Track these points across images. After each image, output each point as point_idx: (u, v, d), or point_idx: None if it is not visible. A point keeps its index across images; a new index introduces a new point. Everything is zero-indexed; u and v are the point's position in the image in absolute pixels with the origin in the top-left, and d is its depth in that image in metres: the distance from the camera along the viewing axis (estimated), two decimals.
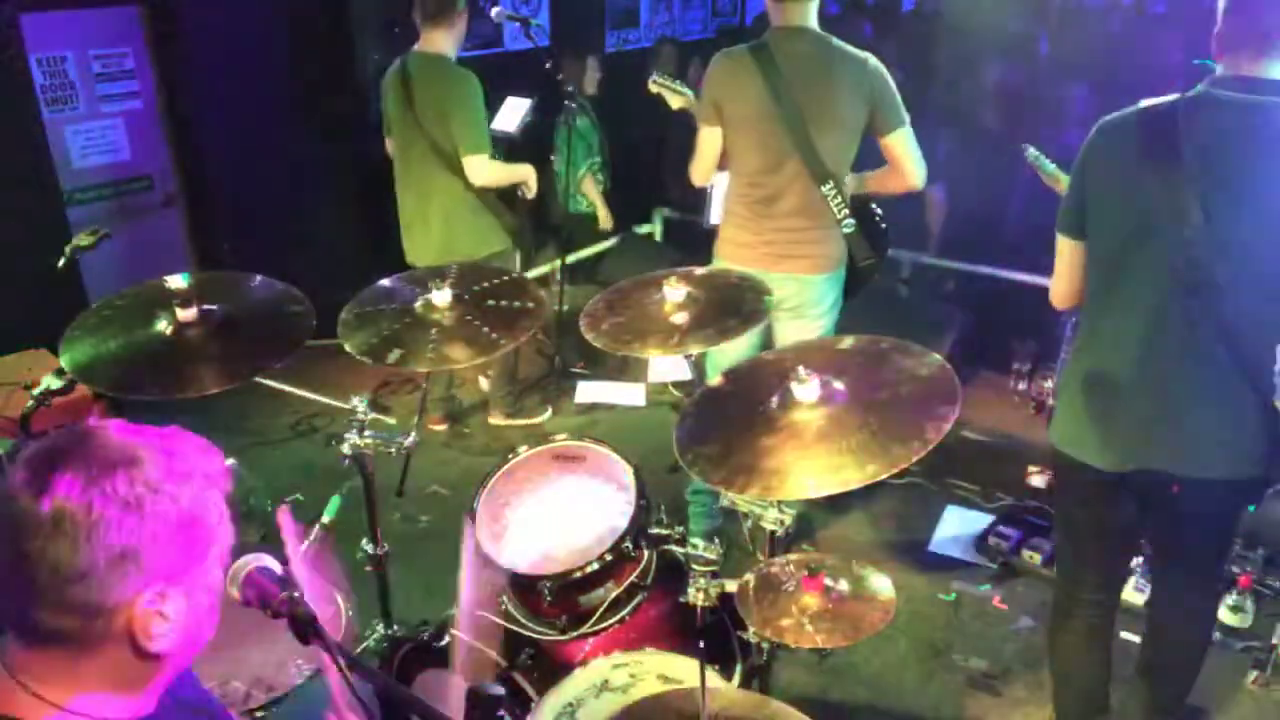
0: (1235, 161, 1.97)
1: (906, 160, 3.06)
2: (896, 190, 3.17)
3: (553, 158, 5.54)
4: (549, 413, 4.76)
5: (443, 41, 3.86)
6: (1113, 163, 2.12)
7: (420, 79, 3.86)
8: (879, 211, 3.27)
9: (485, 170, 3.89)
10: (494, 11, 4.54)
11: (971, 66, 5.59)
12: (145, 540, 1.02)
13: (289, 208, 5.12)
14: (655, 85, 3.71)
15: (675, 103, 3.64)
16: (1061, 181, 2.99)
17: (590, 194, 5.81)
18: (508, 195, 4.15)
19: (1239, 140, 1.97)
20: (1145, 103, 2.12)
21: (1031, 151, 3.15)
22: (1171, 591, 2.45)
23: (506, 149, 4.39)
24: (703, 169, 3.24)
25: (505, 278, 2.44)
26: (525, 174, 4.12)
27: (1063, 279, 2.31)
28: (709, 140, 3.15)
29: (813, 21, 3.02)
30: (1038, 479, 3.88)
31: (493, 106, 4.62)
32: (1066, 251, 2.27)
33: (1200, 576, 2.39)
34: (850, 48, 3.02)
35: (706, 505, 3.40)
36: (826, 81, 2.96)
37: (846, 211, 3.08)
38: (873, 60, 3.01)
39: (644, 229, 6.68)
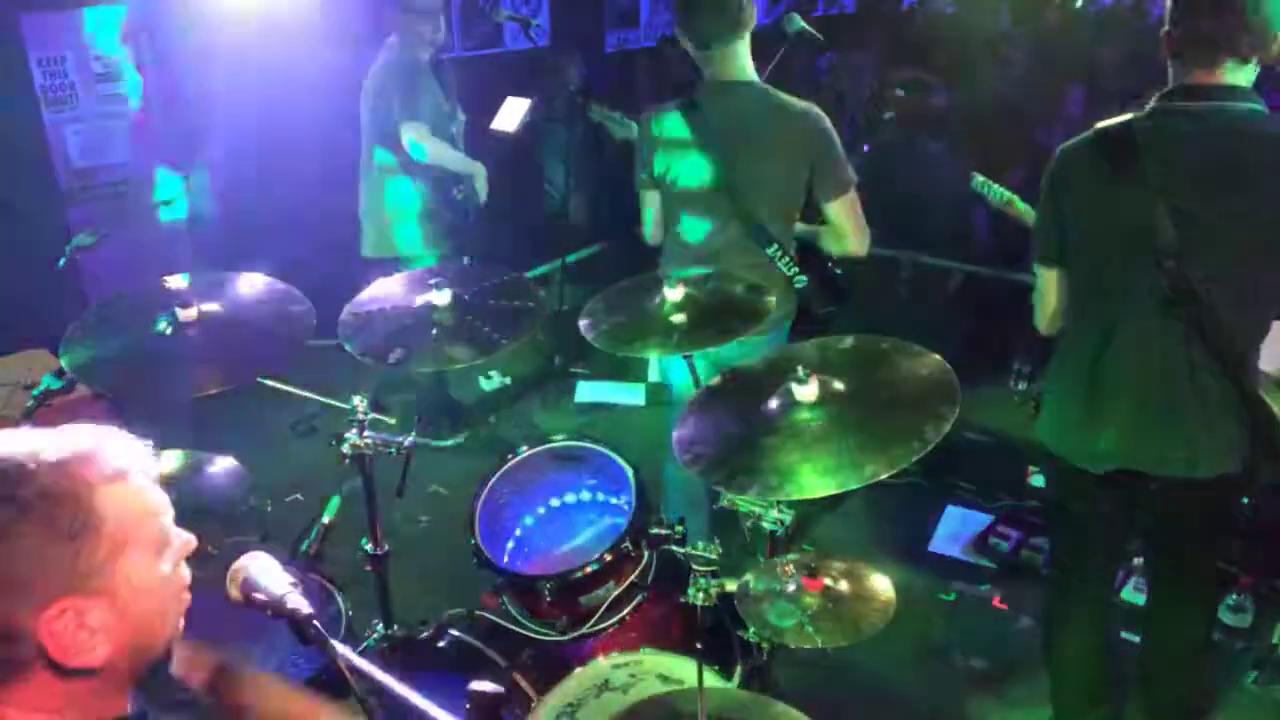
0: (1197, 171, 1.99)
1: (847, 230, 2.81)
2: (836, 253, 2.93)
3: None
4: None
5: (401, 36, 3.90)
6: (1081, 186, 2.15)
7: (379, 68, 3.95)
8: (832, 260, 3.01)
9: (423, 143, 3.79)
10: (494, 12, 4.54)
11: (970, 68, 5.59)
12: (16, 565, 0.96)
13: (289, 208, 5.11)
14: (597, 115, 3.66)
15: (618, 133, 3.60)
16: (1015, 205, 2.97)
17: None
18: (450, 199, 4.04)
19: (1198, 150, 1.99)
20: (1100, 125, 2.14)
21: (979, 179, 3.10)
22: (1168, 592, 2.46)
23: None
24: (650, 229, 3.02)
25: (505, 277, 2.44)
26: (471, 169, 4.00)
27: (1046, 306, 2.31)
28: (650, 202, 2.97)
29: (747, 72, 2.76)
30: (1038, 479, 3.88)
31: (493, 106, 4.63)
32: (1048, 281, 2.28)
33: (1195, 576, 2.40)
34: (792, 100, 2.75)
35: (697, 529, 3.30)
36: (762, 143, 2.72)
37: (796, 270, 2.86)
38: (814, 114, 2.73)
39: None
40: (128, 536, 1.04)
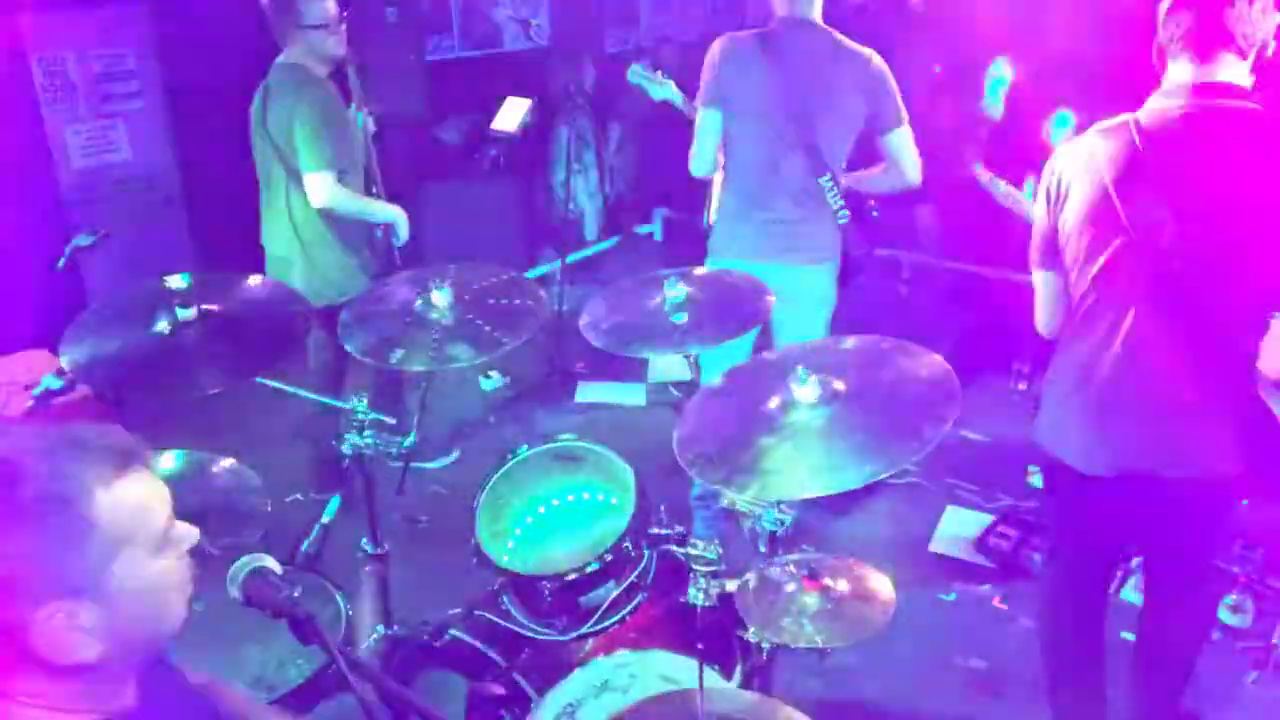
0: (1199, 168, 1.99)
1: (904, 158, 3.09)
2: (892, 188, 3.19)
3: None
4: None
5: (296, 53, 3.36)
6: (1080, 187, 2.14)
7: (274, 91, 3.36)
8: (873, 202, 3.30)
9: (326, 193, 3.27)
10: (495, 11, 4.52)
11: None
12: (9, 566, 0.96)
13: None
14: (635, 76, 3.70)
15: (656, 94, 3.63)
16: (1021, 200, 2.97)
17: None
18: (369, 235, 3.60)
19: (1198, 147, 1.99)
20: (1100, 124, 2.15)
21: (985, 174, 3.13)
22: (1167, 592, 2.46)
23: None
24: (703, 157, 3.16)
25: (505, 277, 2.44)
26: (390, 214, 3.53)
27: (1046, 310, 2.33)
28: (709, 123, 3.10)
29: (817, 15, 3.03)
30: (1038, 479, 3.88)
31: (492, 106, 4.62)
32: (1045, 285, 2.30)
33: (1194, 576, 2.40)
34: (853, 44, 3.03)
35: (712, 510, 3.39)
36: (830, 77, 2.98)
37: (842, 203, 3.10)
38: (876, 58, 3.02)
39: (644, 229, 6.69)
40: (122, 537, 1.03)
